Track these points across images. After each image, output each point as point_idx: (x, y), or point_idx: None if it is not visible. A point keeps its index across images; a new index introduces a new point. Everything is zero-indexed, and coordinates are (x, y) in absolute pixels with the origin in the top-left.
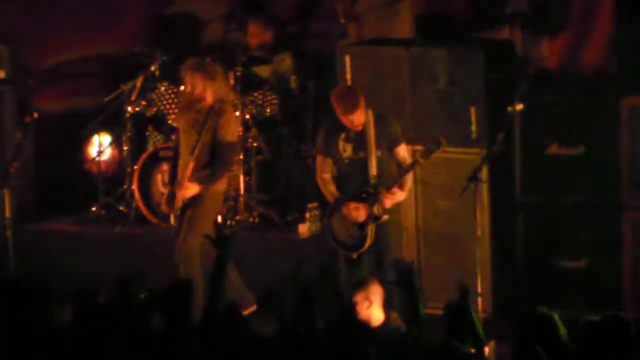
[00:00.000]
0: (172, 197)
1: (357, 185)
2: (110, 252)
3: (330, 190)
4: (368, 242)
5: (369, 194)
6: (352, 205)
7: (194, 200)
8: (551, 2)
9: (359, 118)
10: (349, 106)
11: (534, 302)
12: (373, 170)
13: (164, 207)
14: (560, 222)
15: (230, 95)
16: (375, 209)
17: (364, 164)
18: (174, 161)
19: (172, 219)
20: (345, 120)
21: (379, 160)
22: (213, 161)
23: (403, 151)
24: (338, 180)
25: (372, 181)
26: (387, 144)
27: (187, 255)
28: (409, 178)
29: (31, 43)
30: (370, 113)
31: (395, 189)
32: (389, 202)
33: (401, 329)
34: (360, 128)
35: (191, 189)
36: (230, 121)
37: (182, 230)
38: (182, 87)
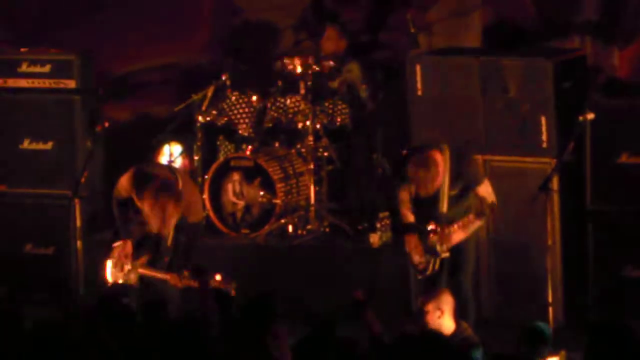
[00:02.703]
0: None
1: (425, 218)
2: None
3: (403, 212)
4: (430, 271)
5: (435, 231)
6: (413, 240)
7: None
8: (622, 12)
9: (434, 184)
10: (425, 184)
11: (604, 312)
12: (444, 207)
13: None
14: (631, 231)
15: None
16: (438, 247)
17: (435, 200)
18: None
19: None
20: None
21: (452, 199)
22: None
23: (483, 191)
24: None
25: (441, 218)
26: (464, 184)
27: None
28: (475, 226)
29: (102, 53)
30: (446, 151)
31: (454, 227)
32: (449, 242)
33: (472, 338)
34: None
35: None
36: (198, 200)
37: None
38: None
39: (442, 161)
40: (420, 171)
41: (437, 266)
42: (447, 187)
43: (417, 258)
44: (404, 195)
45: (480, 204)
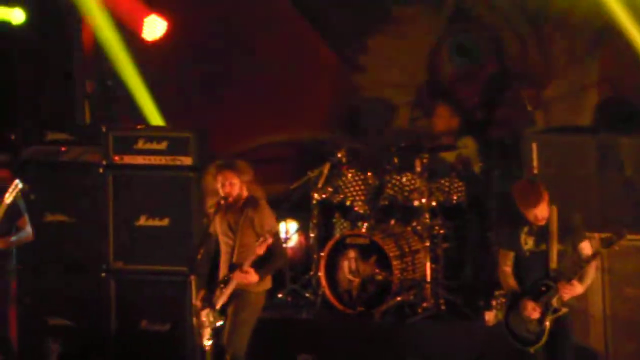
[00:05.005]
0: (207, 297)
1: (537, 277)
2: (296, 337)
3: (509, 283)
4: (545, 337)
5: (549, 287)
6: (530, 305)
7: (238, 302)
8: None
9: (542, 212)
10: (531, 200)
11: None
12: (553, 263)
13: (197, 303)
14: None
15: (258, 190)
16: (555, 301)
17: (545, 256)
18: (211, 268)
19: (204, 318)
20: (528, 214)
21: (560, 254)
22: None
23: (587, 248)
24: (518, 271)
25: (552, 274)
26: (571, 240)
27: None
28: (591, 273)
29: (218, 130)
30: (554, 209)
31: (574, 282)
32: (567, 294)
33: None
34: (543, 223)
35: (252, 275)
36: (267, 212)
37: (226, 333)
38: (218, 190)
39: (547, 195)
40: (531, 195)
41: (548, 327)
42: (556, 243)
43: (535, 315)
44: (507, 269)
45: (586, 258)
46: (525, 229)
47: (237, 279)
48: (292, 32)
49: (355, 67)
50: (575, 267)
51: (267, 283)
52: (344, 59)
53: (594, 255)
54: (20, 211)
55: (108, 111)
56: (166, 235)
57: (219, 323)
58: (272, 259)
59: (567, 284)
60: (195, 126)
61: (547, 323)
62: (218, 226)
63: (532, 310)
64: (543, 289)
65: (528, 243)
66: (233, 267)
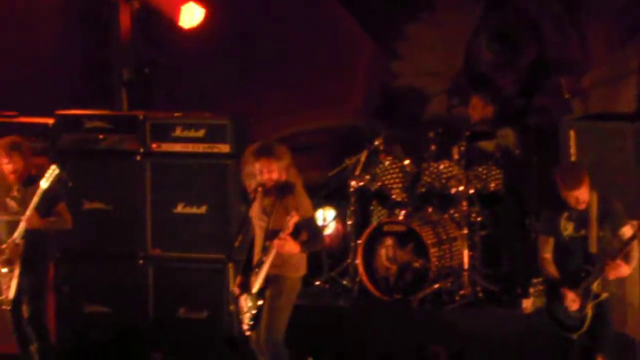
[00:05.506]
0: (244, 283)
1: (577, 263)
2: (333, 325)
3: (550, 270)
4: (587, 323)
5: (588, 273)
6: (570, 295)
7: (274, 288)
8: None
9: (583, 195)
10: (573, 182)
11: None
12: (593, 248)
13: (235, 289)
14: None
15: (295, 174)
16: (595, 287)
17: (584, 242)
18: (247, 254)
19: (242, 303)
20: (569, 197)
21: (600, 239)
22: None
23: (628, 232)
24: (558, 257)
25: (592, 259)
26: (611, 226)
27: (273, 346)
28: (635, 255)
29: (254, 118)
30: (594, 194)
31: (619, 261)
32: (613, 273)
33: None
34: (583, 207)
35: (290, 245)
36: (303, 197)
37: (264, 320)
38: (256, 175)
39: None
40: (573, 177)
41: (591, 317)
42: (596, 228)
43: (575, 306)
44: (547, 256)
45: (623, 242)
46: (565, 214)
47: (276, 246)
48: (329, 18)
49: (392, 54)
50: (617, 250)
51: (303, 269)
52: (381, 46)
53: (634, 237)
54: (58, 197)
55: (145, 99)
56: (204, 222)
57: (259, 303)
58: (310, 239)
59: (613, 263)
60: (233, 113)
61: (588, 309)
62: (254, 211)
63: (572, 302)
64: (583, 274)
65: (568, 229)
66: (272, 236)
